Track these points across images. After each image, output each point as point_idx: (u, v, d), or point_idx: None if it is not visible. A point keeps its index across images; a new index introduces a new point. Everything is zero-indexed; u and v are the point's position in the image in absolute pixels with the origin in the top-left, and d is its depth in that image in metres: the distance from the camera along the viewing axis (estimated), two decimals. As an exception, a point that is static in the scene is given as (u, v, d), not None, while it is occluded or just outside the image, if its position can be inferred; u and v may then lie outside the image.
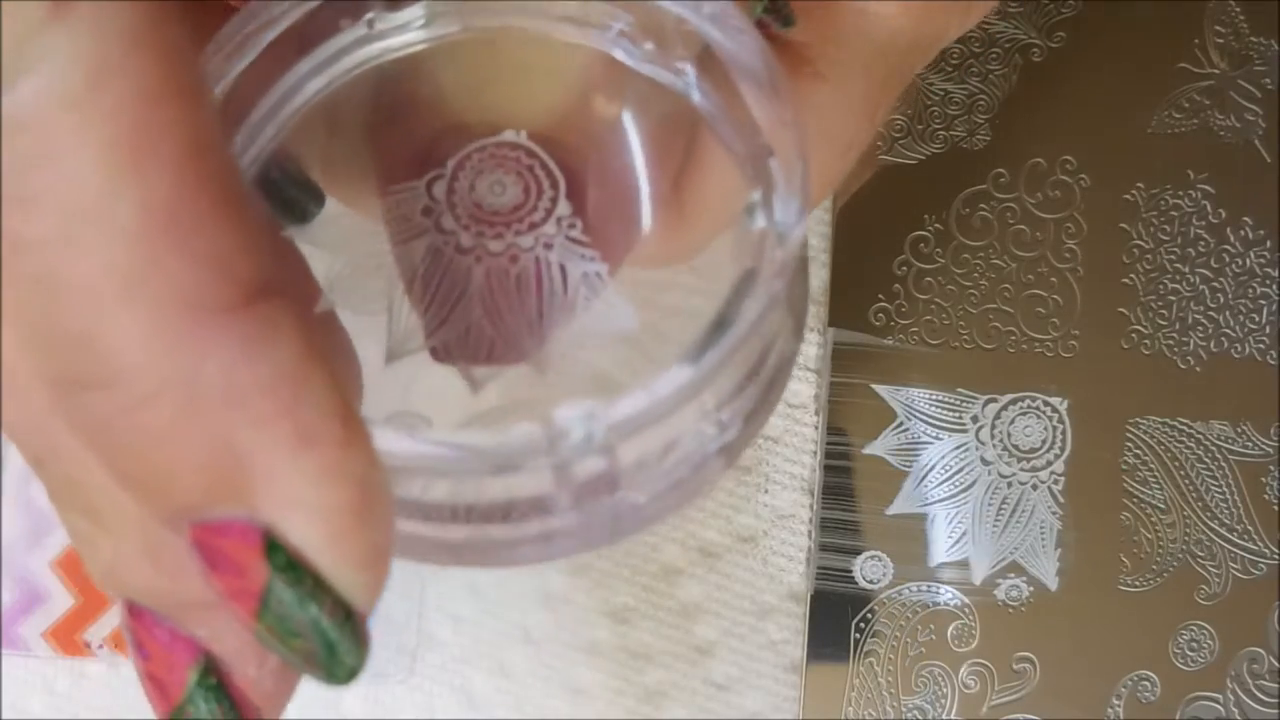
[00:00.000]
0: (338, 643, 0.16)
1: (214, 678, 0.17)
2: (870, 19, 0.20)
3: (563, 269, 0.18)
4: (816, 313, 0.32)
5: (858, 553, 0.32)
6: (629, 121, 0.19)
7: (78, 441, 0.16)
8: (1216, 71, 0.33)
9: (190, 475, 0.15)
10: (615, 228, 0.19)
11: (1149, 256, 0.32)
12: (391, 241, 0.19)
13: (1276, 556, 0.32)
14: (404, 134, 0.19)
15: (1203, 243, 0.32)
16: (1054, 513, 0.32)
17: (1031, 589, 0.32)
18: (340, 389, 0.15)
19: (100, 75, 0.14)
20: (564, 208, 0.18)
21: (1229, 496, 0.32)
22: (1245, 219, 0.32)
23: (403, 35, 0.19)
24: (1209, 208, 0.32)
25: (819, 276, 0.32)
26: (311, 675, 0.16)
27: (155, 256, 0.14)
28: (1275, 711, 0.31)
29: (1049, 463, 0.32)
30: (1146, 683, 0.31)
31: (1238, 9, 0.33)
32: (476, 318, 0.18)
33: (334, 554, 0.15)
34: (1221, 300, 0.32)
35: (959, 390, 0.32)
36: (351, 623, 0.16)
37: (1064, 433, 0.32)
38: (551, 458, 0.16)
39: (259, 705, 0.18)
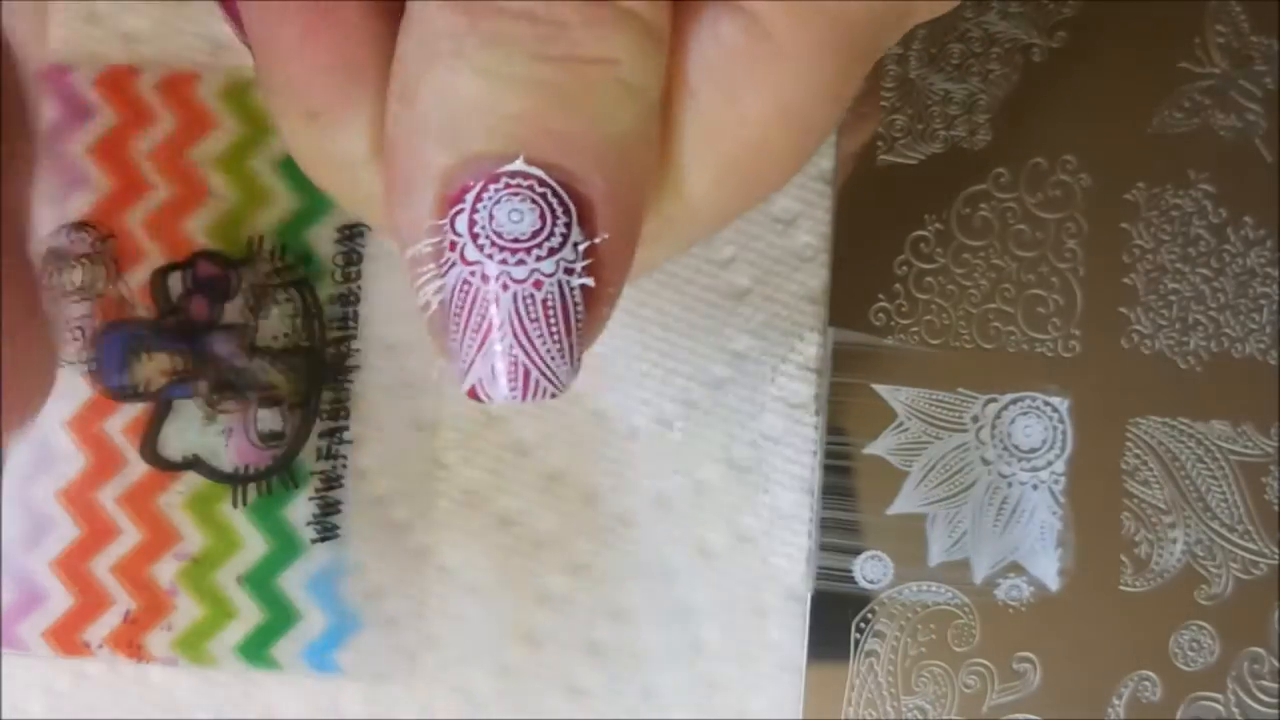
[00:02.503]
0: None
1: None
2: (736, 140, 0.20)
3: (584, 294, 0.19)
4: (816, 313, 0.32)
5: (858, 553, 0.32)
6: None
7: None
8: (1217, 71, 0.33)
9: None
10: (623, 247, 0.19)
11: (1149, 256, 0.32)
12: (420, 285, 0.19)
13: (1277, 556, 0.32)
14: None
15: (1203, 242, 0.32)
16: (1054, 513, 0.32)
17: (1032, 589, 0.32)
18: None
19: None
20: (578, 234, 0.19)
21: (1229, 496, 0.32)
22: (1246, 219, 0.32)
23: None
24: (1210, 207, 0.32)
25: (819, 276, 0.32)
26: None
27: None
28: (1276, 712, 0.31)
29: (1049, 463, 0.32)
30: (1147, 683, 0.31)
31: (1238, 8, 0.33)
32: (507, 347, 0.19)
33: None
34: (1222, 300, 0.32)
35: (959, 390, 0.32)
36: None
37: (1064, 433, 0.32)
38: None
39: None
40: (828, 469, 0.32)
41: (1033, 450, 0.32)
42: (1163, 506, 0.32)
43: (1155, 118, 0.33)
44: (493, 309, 0.19)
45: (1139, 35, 0.33)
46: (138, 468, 0.32)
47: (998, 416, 0.32)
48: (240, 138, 0.32)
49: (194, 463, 0.32)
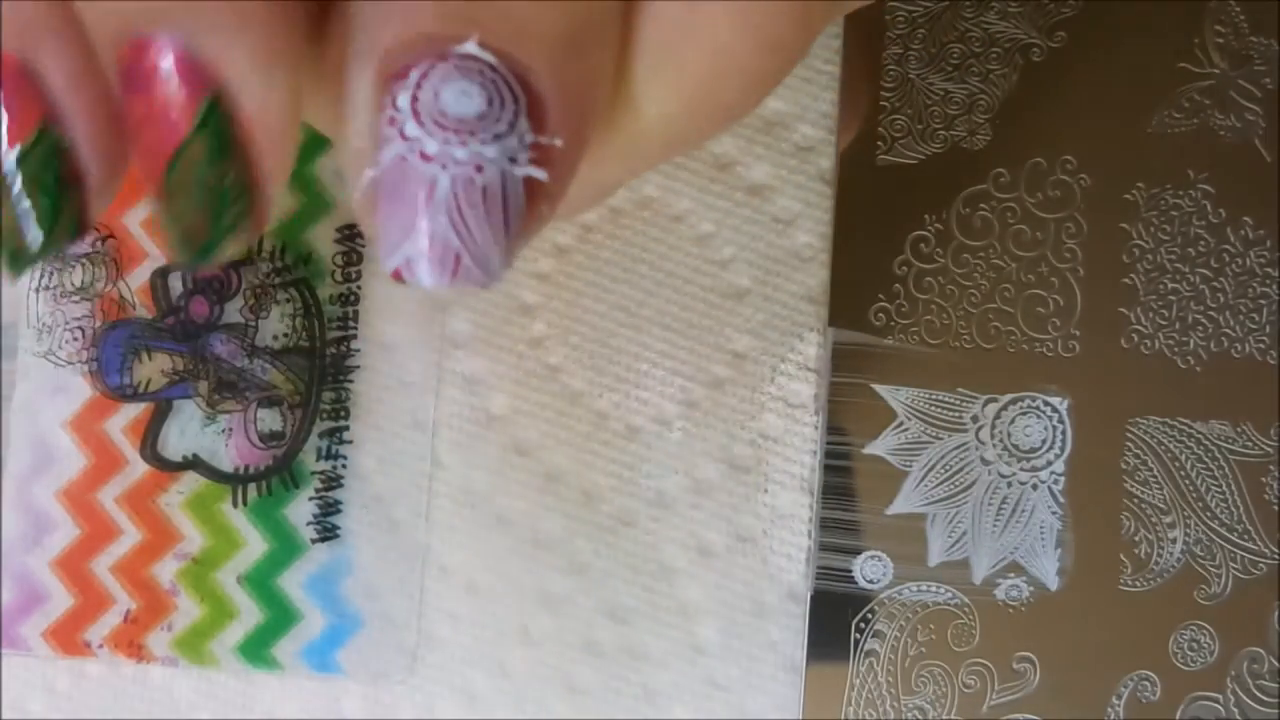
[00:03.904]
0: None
1: (222, 108, 0.18)
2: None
3: (524, 186, 0.18)
4: (816, 313, 0.32)
5: (858, 553, 0.32)
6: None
7: None
8: (1216, 71, 0.33)
9: None
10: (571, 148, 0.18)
11: (1149, 256, 0.32)
12: (355, 165, 0.19)
13: (1277, 556, 0.32)
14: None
15: (1203, 242, 0.32)
16: (1054, 513, 0.32)
17: (1031, 589, 0.32)
18: None
19: None
20: (525, 126, 0.18)
21: (1229, 496, 0.32)
22: (1245, 219, 0.32)
23: None
24: (1209, 207, 0.32)
25: (819, 276, 0.32)
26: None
27: None
28: (1275, 712, 0.31)
29: (1049, 462, 0.32)
30: (1146, 683, 0.31)
31: (1238, 8, 0.33)
32: (442, 227, 0.18)
33: None
34: (1221, 300, 0.32)
35: (959, 390, 0.32)
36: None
37: (1064, 432, 0.32)
38: None
39: (264, 148, 0.18)
40: (828, 469, 0.32)
41: (1032, 450, 0.32)
42: (1162, 506, 0.32)
43: (1155, 118, 0.33)
44: (429, 187, 0.18)
45: (1139, 35, 0.33)
46: (138, 468, 0.32)
47: (997, 416, 0.32)
48: (240, 138, 0.32)
49: (194, 463, 0.32)
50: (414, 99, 0.17)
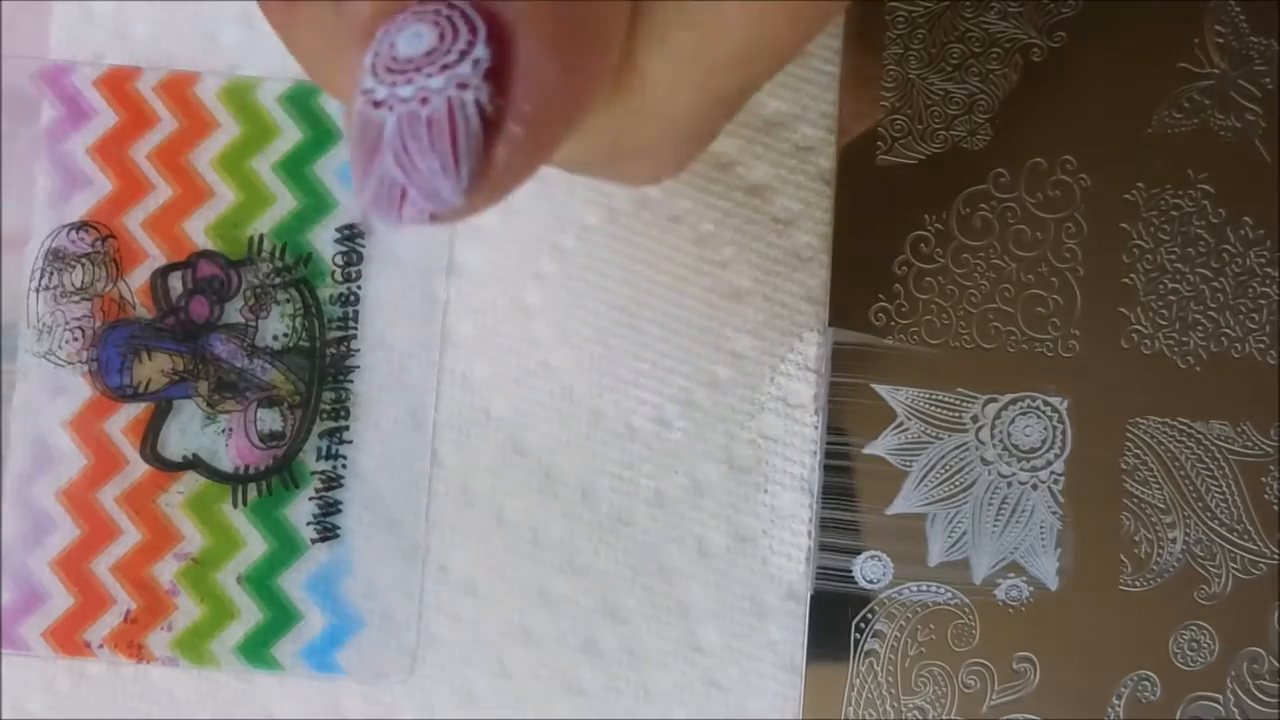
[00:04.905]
0: None
1: None
2: (707, 26, 0.18)
3: (480, 107, 0.17)
4: (816, 313, 0.32)
5: (858, 553, 0.32)
6: None
7: None
8: (1216, 71, 0.33)
9: None
10: (556, 91, 0.18)
11: (1149, 256, 0.32)
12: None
13: (1276, 556, 0.32)
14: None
15: (1203, 242, 0.32)
16: (1054, 513, 0.32)
17: (1031, 589, 0.32)
18: None
19: None
20: (482, 51, 0.17)
21: (1229, 496, 0.32)
22: (1245, 219, 0.32)
23: None
24: (1209, 207, 0.32)
25: (819, 276, 0.32)
26: None
27: None
28: (1275, 711, 0.31)
29: (1049, 462, 0.32)
30: (1146, 683, 0.31)
31: (1238, 9, 0.33)
32: (387, 168, 0.18)
33: None
34: (1221, 300, 0.32)
35: (959, 390, 0.32)
36: None
37: (1064, 433, 0.32)
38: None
39: None
40: (828, 469, 0.32)
41: (1032, 450, 0.32)
42: (1162, 506, 0.32)
43: (1155, 118, 0.33)
44: (376, 134, 0.17)
45: (1139, 35, 0.33)
46: (138, 468, 0.32)
47: (997, 416, 0.32)
48: (240, 138, 0.32)
49: (194, 463, 0.32)
50: (375, 54, 0.18)
